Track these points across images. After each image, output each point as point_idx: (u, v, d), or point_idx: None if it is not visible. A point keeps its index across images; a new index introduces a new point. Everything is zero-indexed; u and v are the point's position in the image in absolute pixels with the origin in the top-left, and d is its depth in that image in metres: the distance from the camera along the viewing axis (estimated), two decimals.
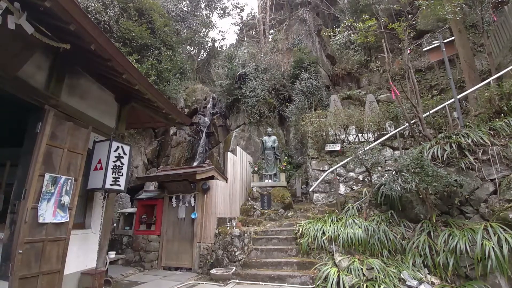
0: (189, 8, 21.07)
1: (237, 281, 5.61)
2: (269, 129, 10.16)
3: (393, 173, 5.65)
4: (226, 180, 8.06)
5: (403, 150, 7.34)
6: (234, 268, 6.00)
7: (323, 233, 5.81)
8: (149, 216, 7.70)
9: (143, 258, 7.30)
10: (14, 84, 3.52)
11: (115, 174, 4.63)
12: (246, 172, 9.64)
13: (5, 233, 3.57)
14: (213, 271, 5.92)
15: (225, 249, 6.50)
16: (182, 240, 7.14)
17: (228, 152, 8.91)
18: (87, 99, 4.75)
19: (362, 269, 4.79)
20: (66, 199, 3.96)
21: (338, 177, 7.78)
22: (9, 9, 2.77)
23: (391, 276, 4.63)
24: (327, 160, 8.58)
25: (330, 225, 5.93)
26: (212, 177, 7.47)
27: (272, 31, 21.38)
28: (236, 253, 6.34)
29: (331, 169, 7.47)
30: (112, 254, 5.75)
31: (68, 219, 4.01)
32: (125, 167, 4.83)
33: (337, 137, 8.95)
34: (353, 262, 4.99)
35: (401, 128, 7.73)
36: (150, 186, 10.00)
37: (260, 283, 5.41)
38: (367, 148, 6.65)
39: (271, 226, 7.21)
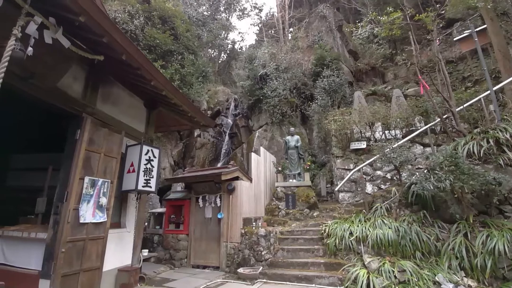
0: (209, 12, 21.52)
1: (264, 280, 5.66)
2: (292, 129, 10.12)
3: (425, 171, 5.41)
4: (251, 180, 8.14)
5: (435, 147, 6.98)
6: (261, 267, 6.05)
7: (351, 233, 5.68)
8: (177, 216, 7.98)
9: (173, 256, 7.58)
10: (55, 95, 3.82)
11: (146, 176, 4.87)
12: (270, 172, 9.67)
13: (48, 233, 3.84)
14: (240, 270, 6.02)
15: (252, 248, 6.58)
16: (209, 239, 7.32)
17: (252, 153, 9.00)
18: (119, 106, 5.03)
19: (393, 271, 4.64)
20: (103, 200, 4.24)
21: (364, 176, 7.57)
22: (45, 24, 2.94)
23: (425, 279, 4.44)
24: (352, 158, 8.38)
25: (358, 226, 5.79)
26: (236, 178, 7.59)
27: (291, 29, 21.22)
28: (263, 253, 6.40)
29: (357, 168, 7.29)
30: (145, 252, 6.05)
31: (106, 219, 4.28)
32: (155, 170, 5.07)
33: (362, 134, 8.70)
34: (384, 263, 4.85)
35: (432, 123, 7.35)
36: (177, 187, 10.35)
37: (287, 283, 5.42)
38: (395, 145, 6.41)
39: (297, 226, 7.18)
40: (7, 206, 5.82)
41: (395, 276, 4.58)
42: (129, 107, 5.29)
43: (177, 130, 12.43)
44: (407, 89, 11.75)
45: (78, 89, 4.19)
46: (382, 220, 5.67)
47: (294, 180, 8.82)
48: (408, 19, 8.72)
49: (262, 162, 9.20)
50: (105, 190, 4.27)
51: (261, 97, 13.34)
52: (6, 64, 2.42)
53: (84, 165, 4.00)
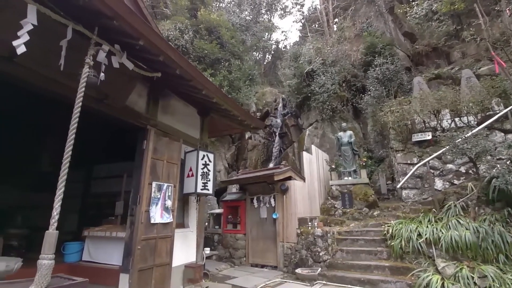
0: (251, 16, 21.93)
1: (324, 282, 5.53)
2: (344, 124, 9.66)
3: (508, 162, 4.61)
4: (304, 180, 8.04)
5: None
6: (319, 269, 5.92)
7: (419, 235, 5.17)
8: (234, 216, 8.32)
9: (233, 255, 7.93)
10: (125, 112, 4.36)
11: (204, 180, 5.21)
12: (323, 171, 9.40)
13: (126, 232, 4.39)
14: (298, 270, 5.98)
15: (308, 249, 6.48)
16: (266, 239, 7.45)
17: (303, 152, 8.88)
18: (176, 115, 5.49)
19: (473, 277, 4.08)
20: (169, 203, 4.67)
21: (432, 171, 6.80)
22: (112, 51, 3.35)
23: (508, 284, 3.84)
24: (416, 152, 7.61)
25: (427, 226, 5.24)
26: (289, 178, 7.57)
27: (336, 20, 20.26)
28: (320, 254, 6.25)
29: (423, 162, 6.57)
30: (207, 250, 6.45)
31: (172, 220, 4.72)
32: (211, 173, 5.39)
33: (426, 124, 7.84)
34: (461, 269, 4.29)
35: None
36: (232, 188, 10.79)
37: (349, 286, 5.18)
38: (469, 134, 5.61)
39: (355, 226, 6.83)
40: (92, 210, 6.87)
41: (474, 282, 4.03)
42: (184, 116, 5.73)
43: (229, 134, 12.97)
44: (479, 68, 10.15)
45: (142, 104, 4.71)
46: (458, 220, 5.02)
47: (350, 178, 8.40)
48: None
49: (314, 161, 9.00)
50: (169, 194, 4.71)
51: (309, 94, 13.05)
52: (83, 89, 2.85)
53: (151, 172, 4.48)
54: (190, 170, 5.27)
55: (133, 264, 4.10)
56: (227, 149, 13.95)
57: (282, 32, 38.55)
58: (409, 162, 7.56)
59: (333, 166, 8.86)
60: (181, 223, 5.57)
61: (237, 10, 21.01)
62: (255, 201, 7.83)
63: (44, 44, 2.93)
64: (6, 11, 2.67)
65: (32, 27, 2.47)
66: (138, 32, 3.19)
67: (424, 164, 6.52)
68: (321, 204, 8.54)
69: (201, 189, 5.18)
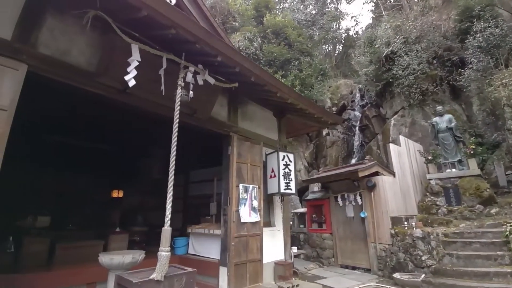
0: (316, 10, 21.25)
1: None
2: (439, 107, 8.32)
3: None
4: (393, 175, 7.28)
5: None
6: (423, 275, 5.25)
7: None
8: (319, 215, 8.18)
9: (320, 255, 7.80)
10: (211, 122, 4.88)
11: (286, 180, 5.34)
12: (417, 163, 8.30)
13: (221, 230, 4.89)
14: (397, 275, 5.43)
15: (407, 252, 5.83)
16: (355, 239, 7.06)
17: (390, 144, 8.06)
18: (254, 120, 5.82)
19: None
20: (255, 203, 4.99)
21: None
22: (196, 70, 3.79)
23: None
24: None
25: None
26: (376, 173, 6.99)
27: None
28: (423, 258, 5.54)
29: None
30: (295, 249, 6.53)
31: (259, 219, 5.01)
32: (292, 173, 5.48)
33: None
34: None
35: None
36: (314, 187, 10.65)
37: None
38: None
39: (466, 226, 5.80)
40: (191, 210, 7.88)
41: None
42: (262, 119, 6.02)
43: (306, 132, 12.86)
44: None
45: (224, 113, 5.19)
46: None
47: (454, 170, 7.17)
48: None
49: (404, 153, 8.05)
50: (255, 194, 5.02)
51: (390, 80, 11.74)
52: (179, 107, 3.34)
53: (237, 175, 4.88)
54: (272, 171, 5.48)
55: (230, 259, 4.54)
56: (305, 148, 13.85)
57: (351, 18, 35.71)
58: None
59: (429, 158, 7.74)
60: (268, 222, 5.83)
61: (301, 6, 20.70)
62: (339, 199, 7.53)
63: (147, 75, 3.57)
64: (115, 53, 3.38)
65: (137, 63, 3.05)
66: (216, 50, 3.55)
67: None
68: (418, 201, 7.56)
69: (284, 189, 5.32)
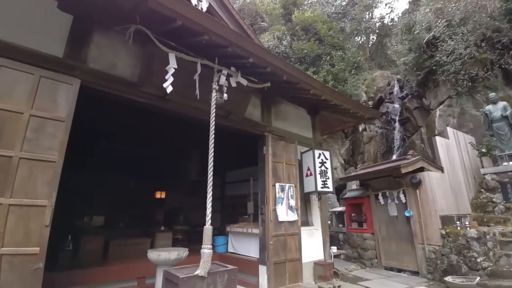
0: (346, 0, 20.40)
1: None
2: (492, 94, 7.49)
3: None
4: (441, 170, 6.72)
5: None
6: (478, 277, 4.80)
7: None
8: (358, 214, 7.86)
9: (362, 256, 7.48)
10: (245, 123, 4.95)
11: (322, 178, 5.23)
12: (469, 157, 7.57)
13: (259, 229, 4.95)
14: (449, 278, 5.01)
15: (460, 253, 5.34)
16: (399, 239, 6.65)
17: (436, 137, 7.45)
18: (288, 119, 5.78)
19: None
20: (292, 202, 4.95)
21: None
22: (229, 73, 3.87)
23: None
24: None
25: None
26: (421, 169, 6.51)
27: None
28: (478, 260, 5.05)
29: None
30: (334, 249, 6.35)
31: (297, 218, 4.97)
32: (329, 171, 5.35)
33: None
34: None
35: None
36: (352, 185, 10.26)
37: None
38: None
39: None
40: (229, 209, 8.08)
41: None
42: (296, 118, 5.96)
43: (342, 129, 12.41)
44: None
45: (257, 114, 5.23)
46: None
47: (511, 163, 6.41)
48: None
49: (453, 146, 7.38)
50: (292, 193, 4.99)
51: (433, 68, 10.82)
52: (214, 110, 3.45)
53: (273, 174, 4.89)
54: (308, 169, 5.40)
55: (269, 258, 4.57)
56: (340, 145, 13.39)
57: (386, 5, 33.40)
58: None
59: (483, 150, 7.00)
60: (305, 221, 5.76)
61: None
62: (380, 197, 7.15)
63: (183, 81, 3.75)
64: (154, 62, 3.59)
65: (174, 70, 3.22)
66: (248, 51, 3.60)
67: None
68: (472, 199, 6.89)
69: (321, 187, 5.21)
